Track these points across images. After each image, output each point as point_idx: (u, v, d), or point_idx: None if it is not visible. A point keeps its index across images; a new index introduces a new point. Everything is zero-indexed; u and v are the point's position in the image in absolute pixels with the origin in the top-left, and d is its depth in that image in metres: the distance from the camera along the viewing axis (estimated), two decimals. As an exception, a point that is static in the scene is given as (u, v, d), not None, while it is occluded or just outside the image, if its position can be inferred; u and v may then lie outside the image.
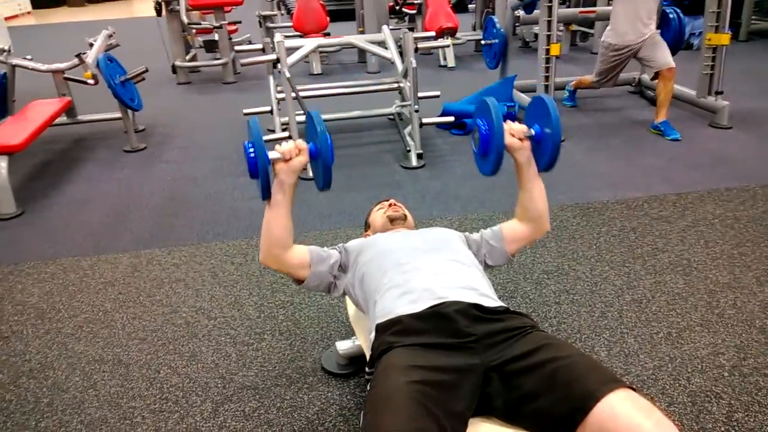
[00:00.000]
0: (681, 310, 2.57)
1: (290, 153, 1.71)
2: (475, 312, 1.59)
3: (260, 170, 1.64)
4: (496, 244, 1.97)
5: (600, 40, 4.91)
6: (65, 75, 5.20)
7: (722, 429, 1.95)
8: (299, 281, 1.91)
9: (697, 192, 3.70)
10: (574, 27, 8.50)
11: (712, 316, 2.53)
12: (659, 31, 4.79)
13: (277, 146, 1.71)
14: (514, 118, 4.82)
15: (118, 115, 5.05)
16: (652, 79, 4.78)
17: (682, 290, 2.71)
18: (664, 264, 2.93)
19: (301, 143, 1.74)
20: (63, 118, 5.26)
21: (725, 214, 3.40)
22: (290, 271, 1.89)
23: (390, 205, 2.22)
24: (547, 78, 4.71)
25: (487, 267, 2.00)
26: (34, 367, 2.42)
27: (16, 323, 2.72)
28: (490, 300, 1.68)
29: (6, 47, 5.29)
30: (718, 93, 4.93)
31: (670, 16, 5.01)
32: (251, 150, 1.65)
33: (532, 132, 1.81)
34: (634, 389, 1.33)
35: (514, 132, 1.79)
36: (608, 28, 4.80)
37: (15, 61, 5.23)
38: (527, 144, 1.82)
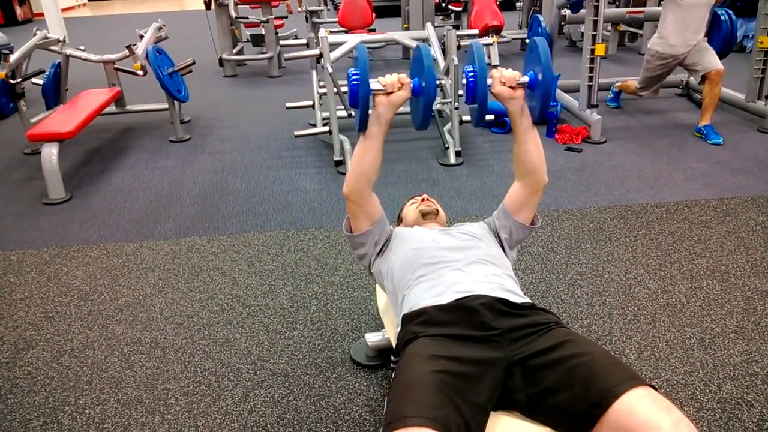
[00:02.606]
0: (716, 316, 2.53)
1: (393, 86, 1.69)
2: (501, 306, 1.60)
3: (361, 99, 1.62)
4: (506, 221, 1.94)
5: (647, 48, 4.82)
6: (116, 66, 5.34)
7: (751, 437, 1.93)
8: (353, 229, 1.92)
9: (740, 197, 3.63)
10: (623, 27, 8.37)
11: (747, 323, 2.48)
12: (706, 38, 4.69)
13: (380, 78, 1.69)
14: (556, 118, 4.79)
15: (165, 105, 5.17)
16: (700, 83, 4.68)
17: (719, 296, 2.67)
18: (702, 269, 2.89)
19: (405, 78, 1.71)
20: (112, 108, 5.42)
21: (768, 221, 3.34)
22: (359, 213, 1.88)
23: (423, 200, 2.24)
24: (591, 78, 4.66)
25: (514, 246, 1.99)
26: (75, 347, 2.51)
27: (61, 304, 2.83)
28: (516, 296, 1.69)
29: (61, 38, 5.46)
30: (768, 97, 4.83)
31: (722, 18, 4.89)
32: (355, 77, 1.62)
33: (526, 79, 1.70)
34: (654, 387, 1.33)
35: (504, 79, 1.70)
36: (655, 35, 4.71)
37: (68, 51, 5.41)
38: (520, 92, 1.72)
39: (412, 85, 1.71)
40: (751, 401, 2.07)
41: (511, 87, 1.72)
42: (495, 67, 1.69)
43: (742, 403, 2.06)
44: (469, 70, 1.70)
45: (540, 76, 1.65)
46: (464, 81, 1.72)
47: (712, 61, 4.53)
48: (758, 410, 2.03)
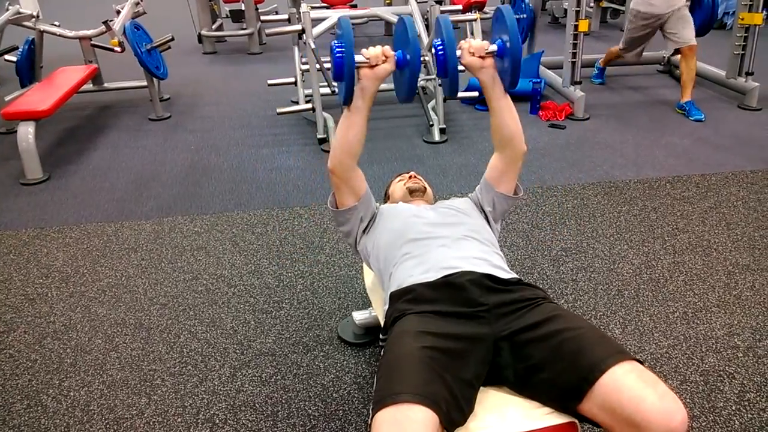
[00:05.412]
0: (698, 291, 2.56)
1: (377, 59, 1.66)
2: (488, 282, 1.60)
3: (345, 73, 1.59)
4: (488, 194, 1.93)
5: (630, 8, 4.79)
6: (92, 42, 5.23)
7: (733, 408, 1.96)
8: (338, 205, 1.90)
9: (721, 173, 3.66)
10: (605, 3, 8.35)
11: (729, 297, 2.51)
12: (689, 3, 4.67)
13: (364, 50, 1.66)
14: (539, 94, 4.77)
15: (144, 83, 5.09)
16: (673, 54, 4.69)
17: (701, 271, 2.70)
18: (684, 244, 2.91)
19: (389, 50, 1.68)
20: (89, 86, 5.32)
21: (749, 196, 3.36)
22: (344, 188, 1.85)
23: (410, 177, 2.23)
24: (574, 54, 4.65)
25: (498, 219, 1.98)
26: (58, 329, 2.48)
27: (42, 286, 2.79)
28: (503, 272, 1.69)
29: (34, 13, 5.33)
30: (748, 74, 4.84)
31: (703, -7, 4.90)
32: (339, 50, 1.58)
33: (494, 47, 1.68)
34: (640, 362, 1.34)
35: (473, 50, 1.69)
36: None
37: (43, 27, 5.27)
38: (489, 62, 1.72)
39: (396, 57, 1.68)
40: (733, 373, 2.10)
41: (480, 57, 1.71)
42: (464, 38, 1.67)
43: (724, 376, 2.09)
44: (437, 43, 1.68)
45: (508, 44, 1.63)
46: (434, 57, 1.71)
47: (687, 34, 4.53)
48: (739, 382, 2.06)
